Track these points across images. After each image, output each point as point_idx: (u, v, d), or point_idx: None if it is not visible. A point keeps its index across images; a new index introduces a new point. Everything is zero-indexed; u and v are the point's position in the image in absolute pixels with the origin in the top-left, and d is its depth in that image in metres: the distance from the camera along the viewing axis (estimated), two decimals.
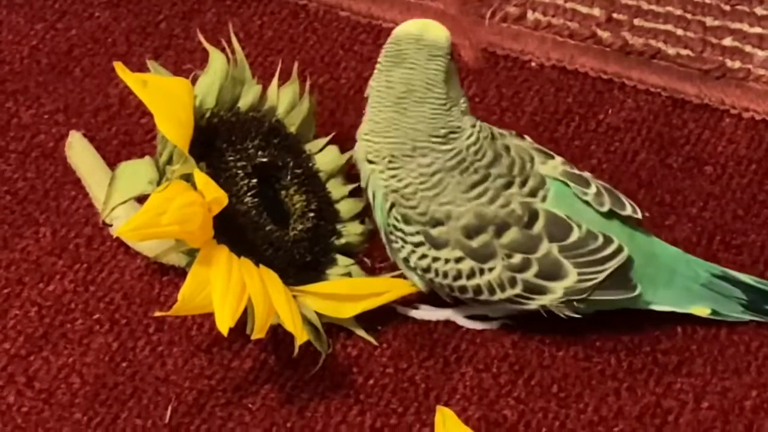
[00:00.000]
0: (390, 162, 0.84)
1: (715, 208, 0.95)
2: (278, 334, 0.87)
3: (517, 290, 0.85)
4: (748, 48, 1.04)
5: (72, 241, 0.93)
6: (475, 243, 0.84)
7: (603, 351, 0.88)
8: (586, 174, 0.87)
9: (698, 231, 0.94)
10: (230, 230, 0.85)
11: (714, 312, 0.87)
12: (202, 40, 0.90)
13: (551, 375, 0.87)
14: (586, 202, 0.85)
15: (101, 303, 0.90)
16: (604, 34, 1.05)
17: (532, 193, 0.84)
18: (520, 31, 1.06)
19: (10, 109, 1.01)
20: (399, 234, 0.86)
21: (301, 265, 0.89)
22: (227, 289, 0.80)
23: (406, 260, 0.86)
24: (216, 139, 0.88)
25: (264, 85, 0.92)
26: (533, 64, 1.05)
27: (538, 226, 0.84)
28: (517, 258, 0.84)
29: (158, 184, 0.84)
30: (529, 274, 0.84)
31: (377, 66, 0.85)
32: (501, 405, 0.85)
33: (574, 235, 0.84)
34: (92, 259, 0.92)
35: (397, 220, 0.85)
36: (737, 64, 1.03)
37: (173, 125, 0.83)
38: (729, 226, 0.94)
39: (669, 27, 1.05)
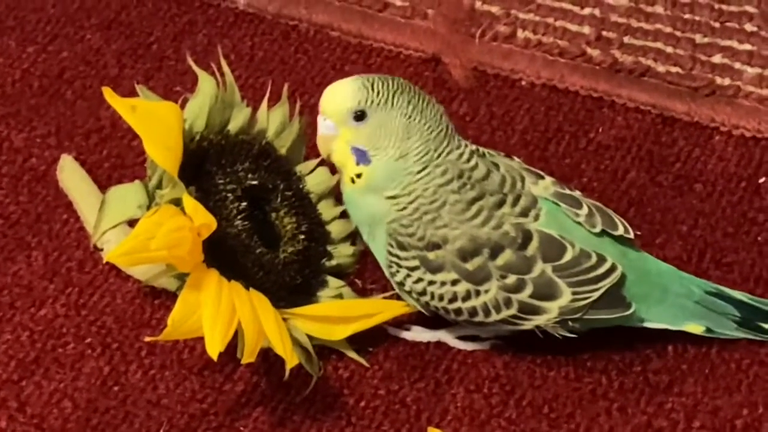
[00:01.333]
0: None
1: (706, 225, 0.95)
2: (270, 357, 0.87)
3: (512, 311, 0.85)
4: (737, 65, 1.04)
5: (64, 264, 0.93)
6: (470, 266, 0.84)
7: (594, 371, 0.88)
8: (577, 193, 0.87)
9: (688, 249, 0.94)
10: (220, 254, 0.85)
11: (708, 330, 0.87)
12: (192, 63, 0.90)
13: (542, 395, 0.87)
14: (578, 223, 0.86)
15: (93, 327, 0.90)
16: (593, 53, 1.05)
17: (524, 213, 0.84)
18: (511, 50, 1.06)
19: (2, 133, 1.01)
20: (393, 259, 0.86)
21: (292, 288, 0.89)
22: (217, 314, 0.80)
23: (401, 284, 0.87)
24: (206, 163, 0.88)
25: (254, 108, 0.92)
26: (523, 82, 1.05)
27: (532, 247, 0.84)
28: (512, 279, 0.84)
29: (148, 208, 0.84)
30: (524, 295, 0.84)
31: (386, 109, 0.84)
32: (492, 426, 0.85)
33: (568, 255, 0.84)
34: (84, 282, 0.92)
35: (392, 245, 0.85)
36: (727, 81, 1.03)
37: (162, 150, 0.83)
38: (719, 244, 0.94)
39: (658, 44, 1.06)
